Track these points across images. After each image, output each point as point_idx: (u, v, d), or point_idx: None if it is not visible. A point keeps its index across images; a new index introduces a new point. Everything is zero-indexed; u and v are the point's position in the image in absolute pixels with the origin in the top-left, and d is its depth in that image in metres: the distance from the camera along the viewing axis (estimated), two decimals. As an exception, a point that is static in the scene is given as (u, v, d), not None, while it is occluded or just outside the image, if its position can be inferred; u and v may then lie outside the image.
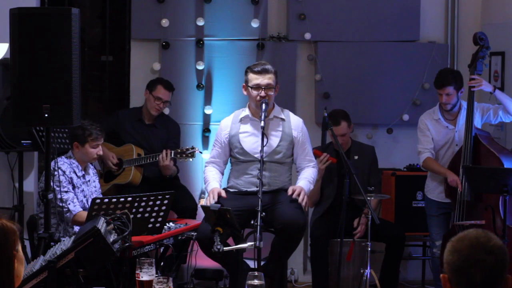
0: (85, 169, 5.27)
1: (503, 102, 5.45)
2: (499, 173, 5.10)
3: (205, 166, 5.25)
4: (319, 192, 5.73)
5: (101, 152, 5.29)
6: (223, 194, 4.96)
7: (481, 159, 5.34)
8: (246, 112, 5.14)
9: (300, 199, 4.87)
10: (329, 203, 5.73)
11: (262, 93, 4.98)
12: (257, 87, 5.00)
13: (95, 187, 5.35)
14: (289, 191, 4.92)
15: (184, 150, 5.61)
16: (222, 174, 5.25)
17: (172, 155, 5.63)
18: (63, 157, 5.18)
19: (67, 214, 4.99)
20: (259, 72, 5.01)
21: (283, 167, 5.12)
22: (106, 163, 5.94)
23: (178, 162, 5.87)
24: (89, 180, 5.28)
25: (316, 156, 5.39)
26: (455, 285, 2.24)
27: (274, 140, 5.09)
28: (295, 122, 5.15)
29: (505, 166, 5.19)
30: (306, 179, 5.09)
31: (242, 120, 5.14)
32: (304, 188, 4.98)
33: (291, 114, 5.21)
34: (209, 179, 5.13)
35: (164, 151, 5.66)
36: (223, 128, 5.19)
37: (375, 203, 5.77)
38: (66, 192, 4.99)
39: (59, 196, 4.83)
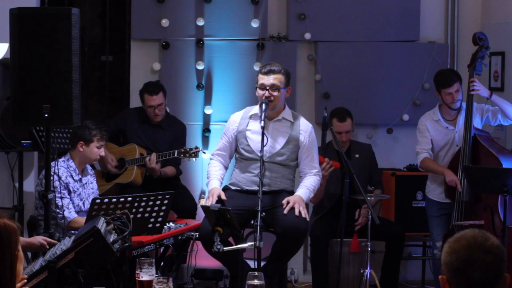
0: (82, 171, 5.27)
1: (501, 106, 5.45)
2: (499, 173, 5.09)
3: (211, 159, 5.25)
4: (323, 192, 5.72)
5: (103, 153, 5.30)
6: (223, 196, 4.95)
7: (480, 160, 5.35)
8: (256, 110, 5.15)
9: (296, 212, 4.79)
10: (332, 204, 5.73)
11: (266, 93, 4.99)
12: (262, 87, 5.01)
13: (92, 188, 5.33)
14: (284, 202, 4.87)
15: (188, 150, 5.62)
16: (226, 168, 5.24)
17: (176, 155, 5.64)
18: (60, 160, 5.14)
19: (62, 220, 4.98)
20: (265, 73, 5.02)
21: (286, 170, 5.09)
22: (106, 166, 5.94)
23: (181, 161, 5.88)
24: (86, 183, 5.27)
25: (320, 163, 5.35)
26: (454, 286, 2.23)
27: (279, 141, 5.08)
28: (304, 126, 5.12)
29: (504, 166, 5.19)
30: (306, 187, 5.03)
31: (252, 117, 5.15)
32: (302, 197, 4.93)
33: (302, 118, 5.17)
34: (211, 175, 5.13)
35: (152, 154, 5.69)
36: (232, 122, 5.19)
37: (374, 200, 5.77)
38: (62, 198, 4.98)
39: (57, 202, 4.84)
